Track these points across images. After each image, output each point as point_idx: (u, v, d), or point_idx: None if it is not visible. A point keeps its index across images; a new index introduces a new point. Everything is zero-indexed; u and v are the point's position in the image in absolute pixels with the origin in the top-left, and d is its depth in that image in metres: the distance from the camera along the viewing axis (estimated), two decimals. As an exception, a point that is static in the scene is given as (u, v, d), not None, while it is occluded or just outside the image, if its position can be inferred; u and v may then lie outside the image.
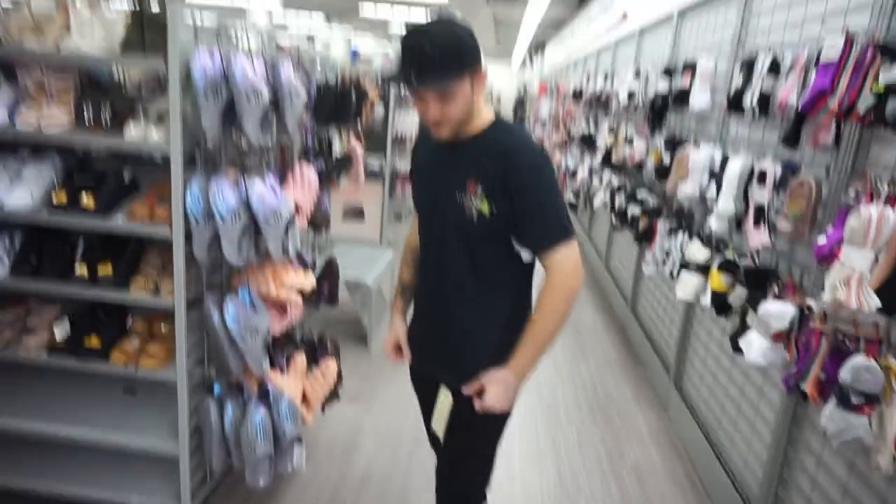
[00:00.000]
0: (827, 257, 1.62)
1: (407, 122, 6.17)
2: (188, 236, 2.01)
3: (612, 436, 3.25)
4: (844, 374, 1.49)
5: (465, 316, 1.60)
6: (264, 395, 2.25)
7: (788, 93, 2.11)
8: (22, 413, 2.27)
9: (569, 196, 7.02)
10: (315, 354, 2.72)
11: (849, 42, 1.70)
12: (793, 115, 2.08)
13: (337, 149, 3.84)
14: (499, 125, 1.55)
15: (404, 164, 6.96)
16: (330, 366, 2.59)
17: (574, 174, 6.43)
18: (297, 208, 2.34)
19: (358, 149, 3.91)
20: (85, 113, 2.02)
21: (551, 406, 3.52)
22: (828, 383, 1.66)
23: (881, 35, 1.74)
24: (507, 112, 23.61)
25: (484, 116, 1.54)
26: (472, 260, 1.55)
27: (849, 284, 1.46)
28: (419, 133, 1.71)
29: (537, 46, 18.71)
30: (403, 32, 1.43)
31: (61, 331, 2.19)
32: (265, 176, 2.14)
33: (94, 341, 2.17)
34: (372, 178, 5.69)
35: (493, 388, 1.50)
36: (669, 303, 3.76)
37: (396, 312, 1.83)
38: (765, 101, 2.34)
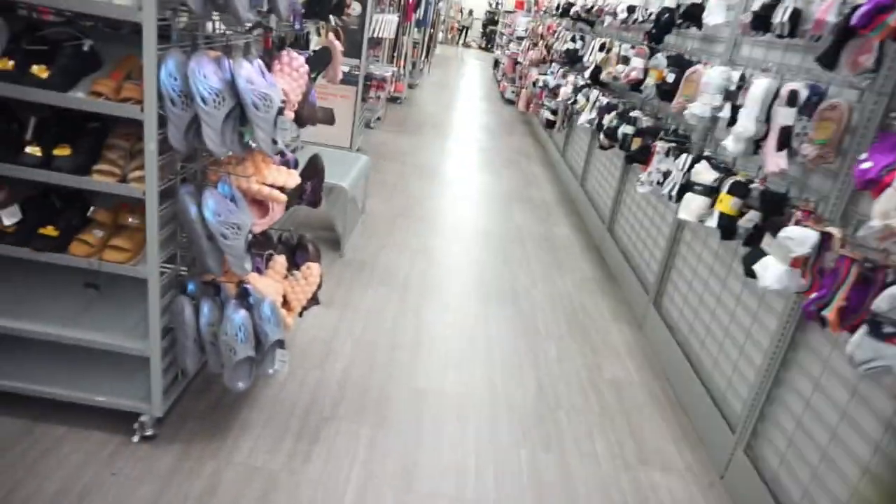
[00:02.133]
0: (872, 182, 1.52)
1: (384, 24, 5.77)
2: (162, 119, 1.76)
3: (590, 350, 3.25)
4: (881, 302, 1.44)
5: None
6: (243, 296, 2.09)
7: (826, 10, 1.96)
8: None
9: (545, 113, 6.83)
10: (294, 257, 2.55)
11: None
12: (832, 34, 1.94)
13: (314, 44, 3.55)
14: None
15: (377, 69, 6.62)
16: (312, 269, 2.43)
17: (554, 91, 6.21)
18: (286, 98, 2.09)
19: (337, 44, 3.62)
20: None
21: (529, 319, 3.49)
22: (849, 310, 1.62)
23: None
24: (478, 28, 22.69)
25: None
26: None
27: (902, 211, 1.37)
28: None
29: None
30: None
31: (10, 217, 1.93)
32: (254, 58, 1.88)
33: (49, 230, 1.94)
34: (344, 82, 5.35)
35: None
36: (653, 225, 3.72)
37: None
38: (795, 18, 2.18)
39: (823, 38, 2.04)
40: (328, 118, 6.18)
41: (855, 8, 1.79)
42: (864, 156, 1.68)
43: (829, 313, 1.65)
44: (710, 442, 2.56)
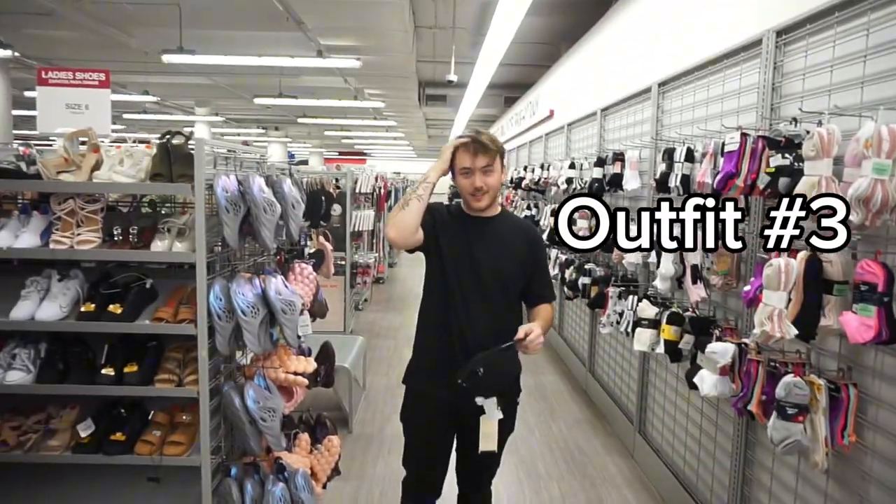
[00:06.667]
0: (753, 301, 2.04)
1: (362, 219, 6.58)
2: (211, 331, 2.25)
3: (590, 485, 3.52)
4: (779, 390, 1.88)
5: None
6: (279, 470, 2.44)
7: (704, 175, 2.62)
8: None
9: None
10: (315, 433, 2.92)
11: (743, 137, 2.22)
12: (709, 192, 2.59)
13: (308, 248, 4.20)
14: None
15: (361, 257, 7.36)
16: (333, 441, 2.80)
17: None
18: (303, 300, 2.62)
19: (327, 245, 4.27)
20: (115, 232, 2.27)
21: (530, 464, 3.78)
22: (768, 403, 2.05)
23: (765, 131, 2.27)
24: (444, 200, 24.51)
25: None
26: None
27: (772, 319, 1.87)
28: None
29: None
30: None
31: (86, 430, 2.33)
32: (276, 273, 2.44)
33: (118, 436, 2.33)
34: (334, 273, 6.03)
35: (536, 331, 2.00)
36: (625, 360, 4.16)
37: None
38: (685, 181, 2.86)
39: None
40: (321, 311, 6.79)
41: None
42: (752, 280, 2.22)
43: (753, 407, 2.08)
44: (708, 548, 2.81)
